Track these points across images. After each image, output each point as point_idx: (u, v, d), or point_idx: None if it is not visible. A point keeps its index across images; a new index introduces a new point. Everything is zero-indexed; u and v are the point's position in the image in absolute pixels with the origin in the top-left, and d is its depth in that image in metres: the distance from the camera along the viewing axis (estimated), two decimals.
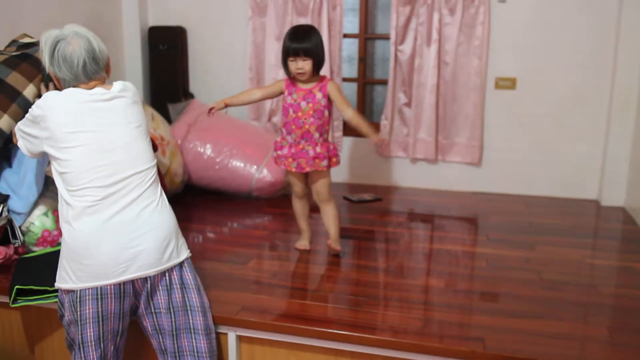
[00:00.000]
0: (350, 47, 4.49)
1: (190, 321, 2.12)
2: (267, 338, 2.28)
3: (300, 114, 2.84)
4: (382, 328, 2.25)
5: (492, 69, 4.09)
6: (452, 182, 4.32)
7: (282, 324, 2.26)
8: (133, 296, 2.06)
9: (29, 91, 2.81)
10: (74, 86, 2.10)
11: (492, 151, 4.22)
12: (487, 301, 2.52)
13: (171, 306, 2.10)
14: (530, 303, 2.47)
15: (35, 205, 2.77)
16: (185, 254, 2.17)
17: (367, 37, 4.41)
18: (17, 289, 2.36)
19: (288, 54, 2.78)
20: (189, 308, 2.12)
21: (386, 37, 4.29)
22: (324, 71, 4.26)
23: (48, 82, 2.84)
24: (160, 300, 2.10)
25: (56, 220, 2.79)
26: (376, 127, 4.36)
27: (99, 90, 2.09)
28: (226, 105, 2.90)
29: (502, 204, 4.00)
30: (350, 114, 2.86)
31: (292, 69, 2.81)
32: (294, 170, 2.90)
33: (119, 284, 2.00)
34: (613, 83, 3.88)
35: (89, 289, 1.97)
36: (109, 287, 1.98)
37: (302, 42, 2.75)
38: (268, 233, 3.38)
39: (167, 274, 2.10)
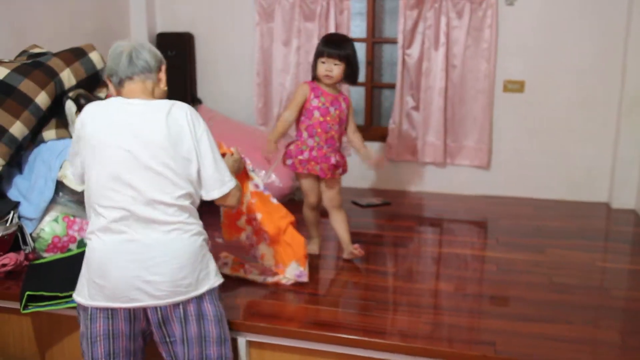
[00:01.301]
0: (358, 52, 4.45)
1: (204, 351, 2.01)
2: (277, 343, 2.28)
3: (328, 118, 2.84)
4: (392, 332, 2.25)
5: (500, 72, 4.08)
6: (461, 185, 4.31)
7: (292, 329, 2.26)
8: (144, 321, 2.00)
9: (41, 98, 2.83)
10: (117, 92, 2.05)
11: (501, 154, 4.20)
12: (497, 305, 2.51)
13: (185, 337, 2.00)
14: (541, 306, 2.46)
15: (45, 211, 2.78)
16: (206, 286, 2.01)
17: (375, 41, 4.41)
18: (27, 295, 2.37)
19: (322, 54, 2.81)
20: (204, 339, 2.01)
21: (394, 41, 4.29)
22: None
23: (78, 97, 2.87)
24: (174, 330, 2.00)
25: (66, 226, 2.80)
26: (384, 131, 4.36)
27: (137, 101, 2.00)
28: (276, 146, 2.90)
29: (511, 207, 3.98)
30: (356, 135, 2.97)
31: (321, 70, 2.82)
32: (314, 172, 2.88)
33: (129, 309, 1.95)
34: (622, 85, 3.86)
35: (100, 308, 1.95)
36: (119, 310, 1.94)
37: (340, 47, 2.81)
38: None
39: (181, 306, 1.97)
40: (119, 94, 2.06)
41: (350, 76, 2.87)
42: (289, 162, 2.93)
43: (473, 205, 4.07)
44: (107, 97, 3.15)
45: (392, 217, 3.79)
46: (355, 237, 3.24)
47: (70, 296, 2.39)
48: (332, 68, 2.79)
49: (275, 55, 4.40)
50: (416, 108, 4.26)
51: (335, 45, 2.81)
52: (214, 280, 2.05)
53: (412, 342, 2.16)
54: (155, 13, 4.67)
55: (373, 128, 4.48)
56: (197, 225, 2.02)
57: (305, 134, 2.87)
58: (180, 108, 2.00)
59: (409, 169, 4.41)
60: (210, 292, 2.03)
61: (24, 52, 3.20)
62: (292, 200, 3.98)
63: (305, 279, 2.61)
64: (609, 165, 4.02)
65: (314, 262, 2.98)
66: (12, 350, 2.63)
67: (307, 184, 2.96)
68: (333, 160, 2.87)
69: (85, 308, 1.98)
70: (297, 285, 2.67)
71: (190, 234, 1.98)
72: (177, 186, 1.95)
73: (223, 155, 2.23)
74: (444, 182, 4.34)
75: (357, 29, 4.43)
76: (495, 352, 2.09)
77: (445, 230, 3.60)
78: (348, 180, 4.37)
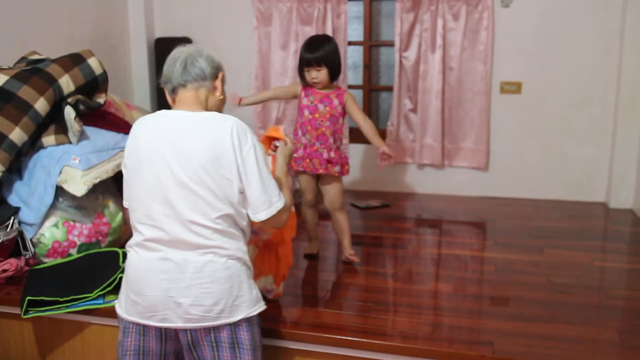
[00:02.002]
0: (355, 55, 4.51)
1: None
2: (278, 345, 2.28)
3: (317, 115, 2.90)
4: (392, 334, 2.26)
5: (497, 74, 4.10)
6: (459, 187, 4.33)
7: (291, 331, 2.26)
8: (176, 342, 1.94)
9: (40, 104, 2.84)
10: (172, 101, 1.99)
11: (498, 155, 4.22)
12: (496, 305, 2.53)
13: None
14: (539, 307, 2.47)
15: (45, 216, 2.79)
16: (241, 314, 1.89)
17: (372, 44, 4.43)
18: (28, 300, 2.38)
19: (303, 64, 2.88)
20: None
21: (391, 44, 4.31)
22: None
23: (77, 103, 2.87)
24: (205, 354, 1.91)
25: (66, 231, 2.81)
26: (382, 133, 4.37)
27: (183, 114, 1.91)
28: (239, 102, 3.00)
29: (509, 208, 4.00)
30: (366, 125, 2.93)
31: (307, 79, 2.90)
32: (308, 169, 2.93)
33: (160, 328, 1.90)
34: (619, 85, 3.88)
35: (133, 323, 1.92)
36: (150, 328, 1.90)
37: (316, 51, 2.84)
38: None
39: (213, 331, 1.88)
40: (173, 102, 2.00)
41: (332, 76, 2.90)
42: None
43: (471, 206, 4.09)
44: (106, 102, 3.17)
45: (391, 219, 3.80)
46: (354, 239, 3.25)
47: (71, 300, 2.41)
48: (316, 75, 2.86)
49: (273, 59, 4.41)
50: (414, 110, 4.28)
51: (312, 50, 2.85)
52: (253, 309, 1.93)
53: (412, 343, 2.17)
54: (154, 18, 4.69)
55: None
56: (235, 250, 1.90)
57: (299, 132, 2.95)
58: (227, 122, 1.88)
59: (407, 171, 4.42)
60: (248, 319, 1.92)
61: (22, 59, 3.22)
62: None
63: (270, 297, 2.45)
64: (607, 165, 4.04)
65: (313, 265, 3.00)
66: (14, 354, 2.64)
67: (303, 182, 3.01)
68: (325, 155, 2.90)
69: (121, 319, 1.96)
70: (296, 288, 2.68)
71: (225, 259, 1.87)
72: (214, 208, 1.84)
73: (275, 149, 2.19)
74: (443, 183, 4.35)
75: (354, 32, 4.45)
76: (494, 352, 2.10)
77: (444, 232, 3.61)
78: (347, 182, 4.41)
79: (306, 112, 2.92)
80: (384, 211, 3.97)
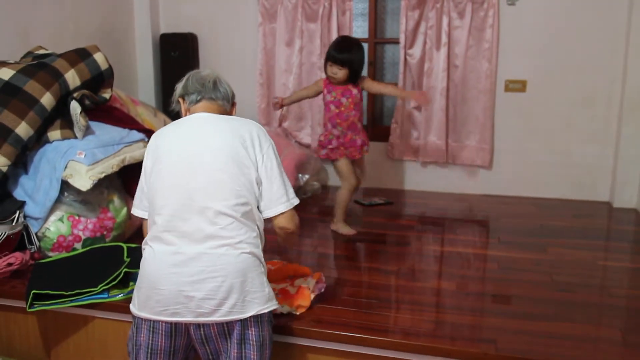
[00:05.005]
0: None
1: None
2: (279, 341, 2.29)
3: (342, 108, 3.24)
4: (394, 330, 2.27)
5: (502, 72, 4.10)
6: (463, 185, 4.33)
7: (294, 326, 2.27)
8: (186, 337, 1.95)
9: (46, 99, 2.85)
10: (190, 110, 2.10)
11: (502, 154, 4.22)
12: (498, 303, 2.53)
13: (227, 357, 1.94)
14: (542, 305, 2.48)
15: (51, 211, 2.80)
16: (253, 310, 1.91)
17: (377, 41, 4.43)
18: (33, 293, 2.39)
19: (328, 58, 3.21)
20: None
21: (396, 41, 4.31)
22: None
23: (83, 98, 2.89)
24: (218, 347, 1.95)
25: (71, 225, 2.83)
26: (386, 130, 4.38)
27: (207, 114, 2.06)
28: (282, 106, 3.44)
29: (513, 206, 4.00)
30: (395, 91, 3.56)
31: (327, 72, 3.24)
32: (345, 155, 3.27)
33: (171, 323, 1.91)
34: (624, 84, 3.87)
35: (145, 319, 1.93)
36: (161, 323, 1.91)
37: (342, 53, 3.18)
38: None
39: (225, 326, 1.91)
40: (190, 112, 2.10)
41: (351, 78, 3.24)
42: (322, 152, 3.34)
43: (475, 204, 4.09)
44: (111, 97, 3.18)
45: (395, 216, 3.81)
46: (357, 236, 3.29)
47: (76, 294, 2.42)
48: (336, 72, 3.20)
49: (278, 56, 4.42)
50: (418, 108, 4.27)
51: (340, 51, 3.18)
52: (265, 306, 1.94)
53: (414, 339, 2.18)
54: (159, 14, 4.69)
55: (375, 127, 4.50)
56: (251, 245, 1.93)
57: (329, 125, 3.30)
58: (248, 122, 2.08)
59: (411, 169, 4.42)
60: (258, 316, 1.93)
61: (29, 54, 3.23)
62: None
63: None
64: (611, 164, 4.03)
65: (315, 261, 3.00)
66: (18, 348, 2.65)
67: (344, 167, 3.31)
68: (359, 142, 3.31)
69: (134, 316, 1.98)
70: None
71: (240, 252, 1.89)
72: (235, 194, 1.90)
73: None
74: (446, 181, 4.35)
75: (359, 29, 4.45)
76: (496, 349, 2.10)
77: (447, 229, 3.61)
78: None
79: (332, 107, 3.26)
80: (388, 208, 3.97)
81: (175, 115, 2.21)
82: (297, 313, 2.34)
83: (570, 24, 3.93)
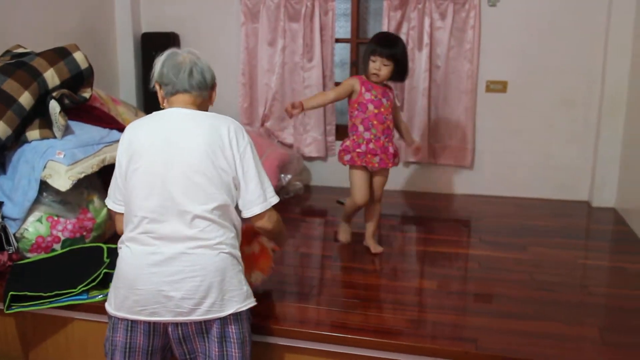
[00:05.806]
0: (342, 52, 4.52)
1: None
2: (261, 341, 2.29)
3: (382, 109, 2.92)
4: (376, 330, 2.27)
5: (483, 73, 4.12)
6: (445, 185, 4.35)
7: (275, 326, 2.27)
8: (164, 337, 1.94)
9: (24, 98, 2.82)
10: (167, 102, 2.04)
11: (483, 154, 4.24)
12: (479, 302, 2.55)
13: (207, 356, 1.94)
14: (523, 304, 2.49)
15: (29, 211, 2.77)
16: (232, 308, 1.91)
17: (359, 41, 4.44)
18: (11, 295, 2.36)
19: (374, 53, 2.86)
20: None
21: None
22: (318, 76, 4.29)
23: (62, 97, 2.85)
24: (195, 346, 1.94)
25: (50, 226, 2.79)
26: None
27: (183, 111, 1.99)
28: (302, 110, 2.88)
29: (494, 206, 4.03)
30: (404, 130, 3.15)
31: (370, 67, 2.88)
32: (376, 165, 2.96)
33: (149, 323, 1.90)
34: (603, 86, 3.92)
35: (121, 319, 1.92)
36: (139, 323, 1.90)
37: (393, 47, 2.86)
38: None
39: (203, 325, 1.91)
40: (167, 103, 2.05)
41: (398, 75, 2.95)
42: (347, 157, 2.98)
43: (456, 204, 4.11)
44: (91, 96, 3.14)
45: None
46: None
47: (55, 296, 2.40)
48: (381, 67, 2.86)
49: (260, 56, 4.40)
50: (400, 108, 4.29)
51: (387, 44, 2.87)
52: (244, 303, 1.95)
53: (396, 339, 2.18)
54: (140, 13, 4.66)
55: None
56: (227, 244, 1.93)
57: (361, 128, 2.94)
58: (225, 119, 2.01)
59: (393, 169, 4.40)
60: (237, 314, 1.94)
61: (7, 52, 3.19)
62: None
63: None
64: (590, 164, 4.07)
65: (297, 261, 3.00)
66: None
67: (359, 179, 3.00)
68: (392, 150, 2.97)
69: (110, 316, 1.96)
70: (281, 284, 2.68)
71: (217, 252, 1.89)
72: (212, 197, 1.89)
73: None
74: (428, 181, 4.37)
75: (341, 29, 4.46)
76: (477, 348, 2.12)
77: (429, 229, 3.62)
78: (333, 179, 4.41)
79: (371, 107, 2.91)
80: None
81: (153, 95, 2.14)
82: (267, 277, 2.41)
83: (551, 25, 3.97)
